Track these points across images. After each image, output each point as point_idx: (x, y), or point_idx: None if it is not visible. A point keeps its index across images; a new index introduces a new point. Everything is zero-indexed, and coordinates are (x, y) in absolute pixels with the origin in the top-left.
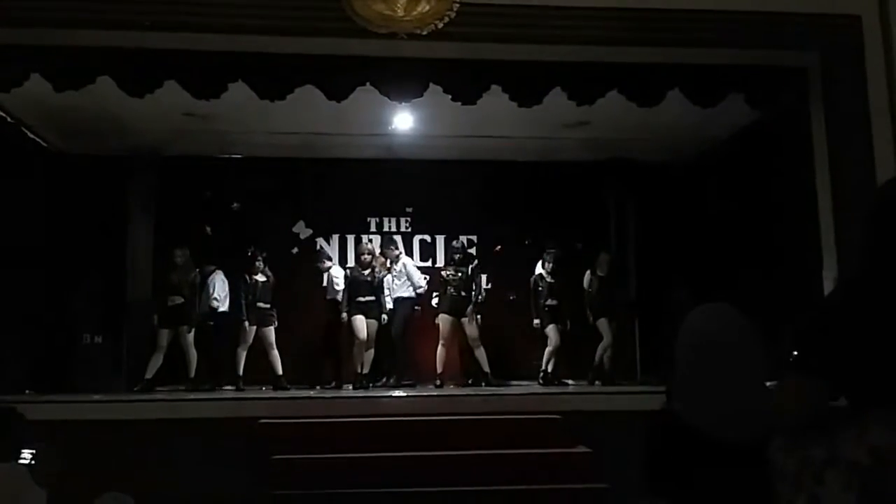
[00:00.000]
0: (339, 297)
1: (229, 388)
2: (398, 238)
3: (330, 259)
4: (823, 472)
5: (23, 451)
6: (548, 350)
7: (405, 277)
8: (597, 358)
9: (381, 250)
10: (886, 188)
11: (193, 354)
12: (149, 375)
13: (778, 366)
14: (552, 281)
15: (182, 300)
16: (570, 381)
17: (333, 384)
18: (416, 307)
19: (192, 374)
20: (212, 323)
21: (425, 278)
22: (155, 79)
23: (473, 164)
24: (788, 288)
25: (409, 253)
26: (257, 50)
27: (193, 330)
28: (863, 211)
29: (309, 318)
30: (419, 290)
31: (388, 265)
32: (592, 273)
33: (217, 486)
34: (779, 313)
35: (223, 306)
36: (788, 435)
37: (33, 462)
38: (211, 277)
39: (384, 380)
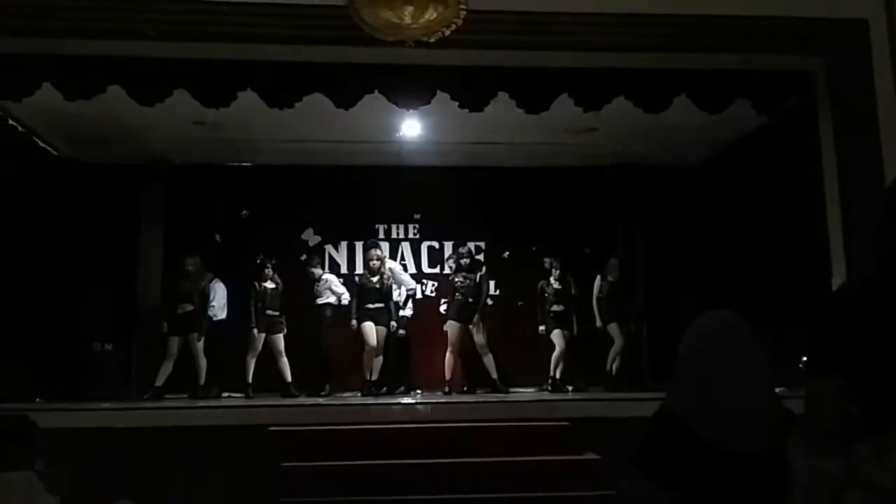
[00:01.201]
0: (335, 301)
1: (237, 395)
2: (406, 244)
3: (321, 264)
4: (842, 492)
5: (35, 459)
6: (554, 355)
7: (391, 282)
8: (609, 363)
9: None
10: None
11: (203, 362)
12: (159, 383)
13: (785, 372)
14: (559, 287)
15: (192, 308)
16: (569, 388)
17: (327, 390)
18: (403, 309)
19: (202, 381)
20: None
21: (434, 284)
22: (165, 87)
23: (481, 170)
24: (797, 293)
25: (418, 259)
26: (266, 58)
27: (203, 338)
28: (872, 212)
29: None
30: (409, 291)
31: None
32: (603, 278)
33: (226, 493)
34: (787, 318)
35: (221, 314)
36: (807, 438)
37: (46, 470)
38: (211, 286)
39: (384, 388)
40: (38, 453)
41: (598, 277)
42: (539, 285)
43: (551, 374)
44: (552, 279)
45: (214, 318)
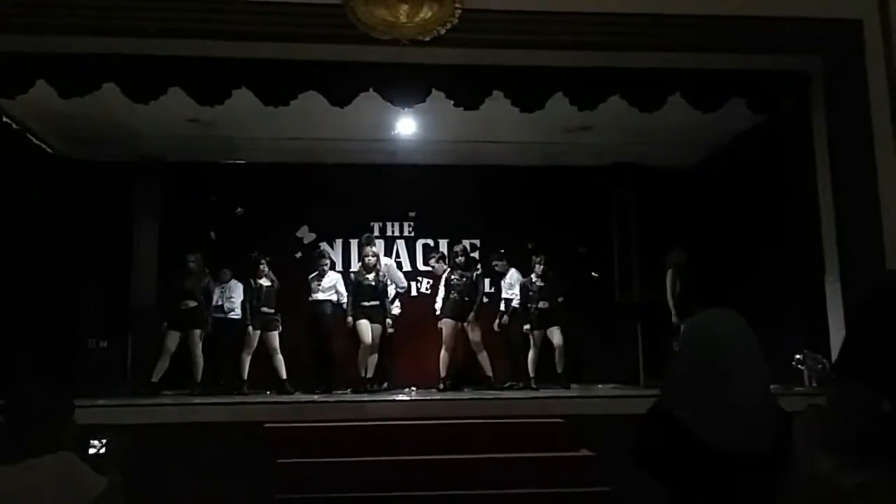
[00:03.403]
0: (335, 298)
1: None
2: (401, 242)
3: (329, 260)
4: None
5: (91, 440)
6: (530, 354)
7: (387, 279)
8: None
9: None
10: None
11: (200, 359)
12: (155, 379)
13: (780, 370)
14: (542, 284)
15: (195, 304)
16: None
17: (322, 388)
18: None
19: (199, 378)
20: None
21: (429, 282)
22: (160, 85)
23: (476, 168)
24: (791, 291)
25: (413, 257)
26: (261, 56)
27: (204, 335)
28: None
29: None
30: (401, 290)
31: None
32: (676, 273)
33: (221, 490)
34: (782, 317)
35: (236, 313)
36: (823, 442)
37: (104, 450)
38: (228, 284)
39: (376, 385)
40: (94, 434)
41: (670, 272)
42: (522, 283)
43: (532, 372)
44: (533, 276)
45: (229, 317)
